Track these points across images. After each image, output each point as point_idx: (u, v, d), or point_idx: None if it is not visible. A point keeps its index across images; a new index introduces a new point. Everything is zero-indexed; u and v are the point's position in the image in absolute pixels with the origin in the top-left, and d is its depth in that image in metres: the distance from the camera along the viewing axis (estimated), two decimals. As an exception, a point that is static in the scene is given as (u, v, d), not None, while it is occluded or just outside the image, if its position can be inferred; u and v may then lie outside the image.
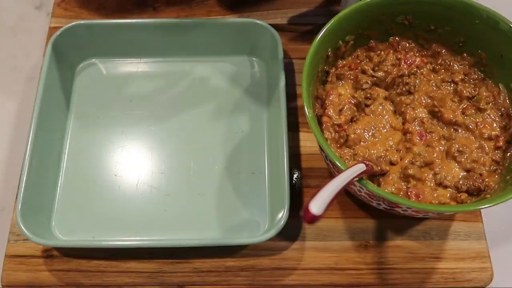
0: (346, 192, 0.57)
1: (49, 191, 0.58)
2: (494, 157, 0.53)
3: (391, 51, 0.58)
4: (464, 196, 0.51)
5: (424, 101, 0.56)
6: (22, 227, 0.52)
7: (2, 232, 0.57)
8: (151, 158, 0.60)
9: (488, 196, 0.50)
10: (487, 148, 0.53)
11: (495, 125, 0.54)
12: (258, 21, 0.62)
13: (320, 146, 0.50)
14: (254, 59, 0.66)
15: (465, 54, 0.57)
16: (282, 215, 0.52)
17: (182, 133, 0.62)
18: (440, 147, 0.54)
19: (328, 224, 0.57)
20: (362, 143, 0.54)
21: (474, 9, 0.53)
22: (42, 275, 0.54)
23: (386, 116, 0.55)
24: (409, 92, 0.56)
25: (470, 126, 0.54)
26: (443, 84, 0.57)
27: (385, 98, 0.57)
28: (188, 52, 0.66)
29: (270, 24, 0.62)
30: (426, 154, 0.53)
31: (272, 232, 0.52)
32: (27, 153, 0.55)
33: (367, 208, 0.57)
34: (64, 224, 0.57)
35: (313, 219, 0.37)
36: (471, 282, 0.55)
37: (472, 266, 0.55)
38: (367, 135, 0.54)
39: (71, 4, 0.70)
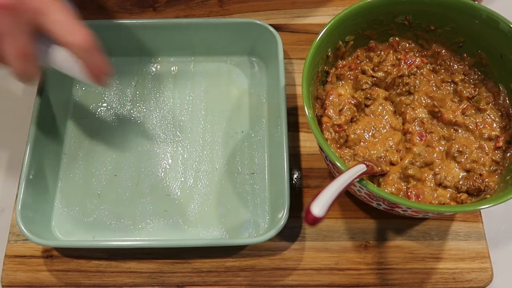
0: (346, 193, 0.57)
1: (49, 191, 0.58)
2: (494, 157, 0.53)
3: (391, 51, 0.59)
4: (464, 196, 0.51)
5: (424, 101, 0.56)
6: (22, 227, 0.51)
7: (2, 232, 0.57)
8: (151, 158, 0.60)
9: (488, 196, 0.50)
10: (487, 148, 0.53)
11: (495, 125, 0.54)
12: (258, 21, 0.62)
13: (320, 147, 0.50)
14: (254, 59, 0.66)
15: (465, 55, 0.57)
16: (282, 215, 0.52)
17: (182, 133, 0.62)
18: (440, 147, 0.54)
19: (328, 224, 0.57)
20: (362, 143, 0.54)
21: (474, 9, 0.53)
22: (42, 275, 0.55)
23: (386, 117, 0.55)
24: (409, 92, 0.56)
25: (470, 127, 0.54)
26: (443, 84, 0.57)
27: (385, 99, 0.57)
28: (188, 52, 0.66)
29: (270, 24, 0.62)
30: (426, 155, 0.53)
31: (272, 232, 0.52)
32: (27, 153, 0.55)
33: (367, 208, 0.57)
34: (64, 224, 0.57)
35: (315, 221, 0.37)
36: (471, 282, 0.55)
37: (472, 266, 0.55)
38: (367, 136, 0.54)
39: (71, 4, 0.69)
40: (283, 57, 0.60)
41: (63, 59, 0.48)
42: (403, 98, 0.56)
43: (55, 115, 0.60)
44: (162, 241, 0.55)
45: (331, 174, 0.57)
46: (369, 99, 0.56)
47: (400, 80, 0.57)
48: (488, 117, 0.55)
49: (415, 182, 0.51)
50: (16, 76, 0.47)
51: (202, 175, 0.59)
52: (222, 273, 0.55)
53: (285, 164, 0.55)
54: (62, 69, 0.49)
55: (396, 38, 0.58)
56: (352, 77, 0.57)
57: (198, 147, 0.61)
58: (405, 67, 0.57)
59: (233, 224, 0.57)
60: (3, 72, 0.68)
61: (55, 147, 0.60)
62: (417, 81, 0.57)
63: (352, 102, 0.55)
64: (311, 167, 0.60)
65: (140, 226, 0.57)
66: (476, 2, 0.53)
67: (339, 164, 0.46)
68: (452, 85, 0.57)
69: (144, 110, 0.63)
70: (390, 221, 0.57)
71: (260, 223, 0.57)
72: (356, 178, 0.43)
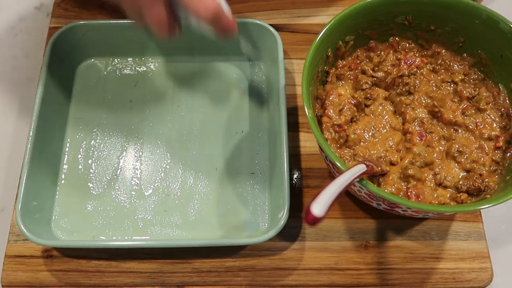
0: (346, 193, 0.57)
1: (49, 191, 0.58)
2: (494, 157, 0.53)
3: (391, 51, 0.59)
4: (464, 196, 0.51)
5: (424, 101, 0.56)
6: (22, 227, 0.52)
7: (2, 232, 0.57)
8: (151, 158, 0.60)
9: (488, 196, 0.50)
10: (487, 148, 0.53)
11: (495, 125, 0.54)
12: (258, 21, 0.62)
13: (320, 147, 0.50)
14: (254, 59, 0.66)
15: (465, 55, 0.57)
16: (282, 215, 0.52)
17: (182, 133, 0.62)
18: (440, 147, 0.54)
19: (328, 224, 0.57)
20: (362, 143, 0.54)
21: (474, 9, 0.53)
22: (42, 275, 0.55)
23: (386, 117, 0.55)
24: (409, 92, 0.56)
25: (470, 127, 0.54)
26: (443, 84, 0.57)
27: (385, 98, 0.57)
28: (189, 52, 0.66)
29: (270, 24, 0.62)
30: (426, 154, 0.53)
31: (272, 232, 0.52)
32: (27, 153, 0.55)
33: (367, 208, 0.57)
34: (64, 224, 0.57)
35: (315, 220, 0.37)
36: (471, 282, 0.55)
37: (472, 266, 0.55)
38: (367, 136, 0.54)
39: (71, 4, 0.70)
40: (283, 57, 0.60)
41: (196, 22, 0.52)
42: (403, 98, 0.56)
43: (55, 115, 0.60)
44: (162, 241, 0.55)
45: (331, 174, 0.57)
46: (369, 99, 0.56)
47: (400, 80, 0.57)
48: (488, 117, 0.55)
49: (415, 182, 0.51)
50: (157, 36, 0.53)
51: (202, 175, 0.59)
52: (222, 273, 0.55)
53: (285, 164, 0.55)
54: (199, 29, 0.53)
55: (396, 38, 0.58)
56: (352, 77, 0.57)
57: (198, 147, 0.61)
58: (405, 67, 0.57)
59: (233, 224, 0.57)
60: (4, 73, 0.68)
61: (55, 147, 0.60)
62: (417, 81, 0.57)
63: (352, 102, 0.55)
64: (311, 167, 0.60)
65: (140, 226, 0.57)
66: (476, 2, 0.53)
67: (339, 164, 0.46)
68: (452, 85, 0.57)
69: (144, 110, 0.63)
70: (390, 221, 0.57)
71: (260, 223, 0.57)
72: (356, 178, 0.43)
